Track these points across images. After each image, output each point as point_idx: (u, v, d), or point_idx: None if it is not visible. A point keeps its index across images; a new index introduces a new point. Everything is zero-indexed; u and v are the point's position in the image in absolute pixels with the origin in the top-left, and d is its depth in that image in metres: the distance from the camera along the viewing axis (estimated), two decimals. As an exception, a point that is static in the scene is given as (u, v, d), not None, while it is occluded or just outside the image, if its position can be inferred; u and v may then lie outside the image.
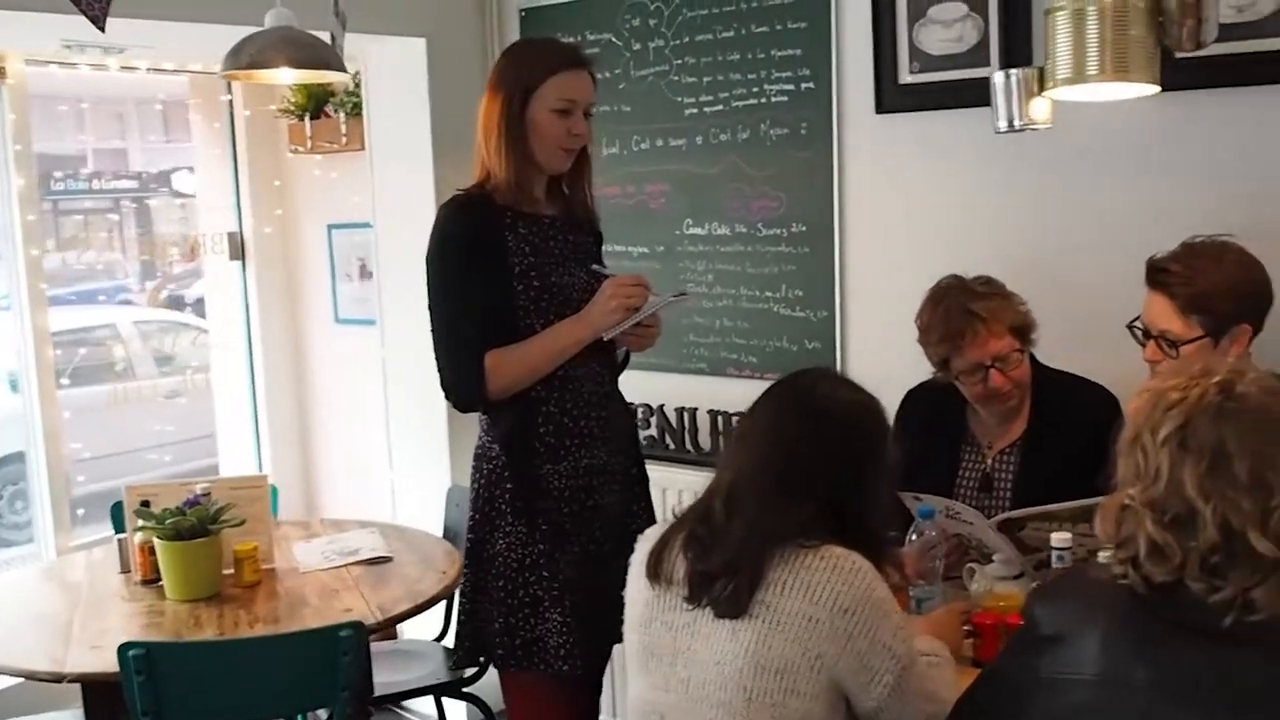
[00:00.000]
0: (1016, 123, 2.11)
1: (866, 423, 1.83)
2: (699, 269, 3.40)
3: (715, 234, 3.36)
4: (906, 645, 1.71)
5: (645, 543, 1.86)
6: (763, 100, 3.22)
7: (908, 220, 3.02)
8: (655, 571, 1.80)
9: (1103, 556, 1.56)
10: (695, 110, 3.35)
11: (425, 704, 3.61)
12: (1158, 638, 1.41)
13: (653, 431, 3.46)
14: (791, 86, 3.16)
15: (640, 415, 3.44)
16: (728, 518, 1.75)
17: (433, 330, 2.37)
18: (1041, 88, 2.07)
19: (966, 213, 2.91)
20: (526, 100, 2.32)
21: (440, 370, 2.36)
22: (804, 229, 3.18)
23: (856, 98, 3.05)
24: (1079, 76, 1.93)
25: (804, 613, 1.66)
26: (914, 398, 2.66)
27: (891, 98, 2.99)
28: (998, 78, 2.13)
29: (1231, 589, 1.38)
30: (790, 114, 3.17)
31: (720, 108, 3.31)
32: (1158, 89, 2.00)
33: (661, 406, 3.46)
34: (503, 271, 2.32)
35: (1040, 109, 2.10)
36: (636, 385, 3.30)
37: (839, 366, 3.12)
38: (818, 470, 1.75)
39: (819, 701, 1.67)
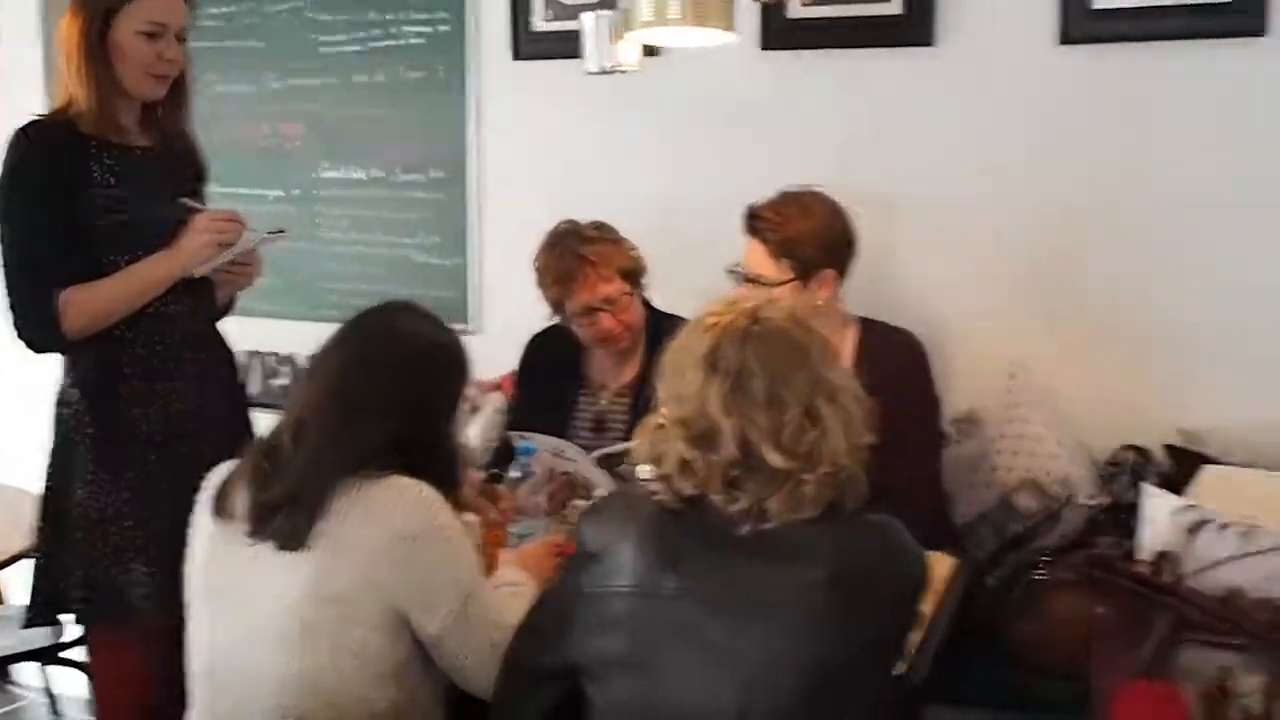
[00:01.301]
0: (606, 65, 2.15)
1: (438, 357, 1.82)
2: (335, 214, 3.31)
3: (352, 178, 3.27)
4: (471, 573, 1.71)
5: (213, 478, 1.79)
6: (400, 42, 3.16)
7: (541, 167, 3.04)
8: (220, 507, 1.74)
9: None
10: (332, 50, 3.26)
11: (35, 675, 3.39)
12: (684, 548, 1.48)
13: (285, 380, 3.35)
14: (429, 29, 3.12)
15: (272, 364, 3.33)
16: (294, 449, 1.71)
17: (3, 266, 2.20)
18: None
19: (594, 160, 2.96)
20: (109, 21, 2.17)
21: (11, 308, 2.19)
22: (441, 175, 3.15)
23: (493, 43, 3.05)
24: (659, 20, 1.97)
25: (365, 541, 1.64)
26: (535, 343, 2.70)
27: (527, 45, 3.01)
28: (587, 20, 2.15)
29: (747, 500, 1.46)
30: (427, 57, 3.13)
31: (358, 48, 3.22)
32: (734, 37, 2.06)
33: (292, 355, 3.35)
34: (82, 203, 2.16)
35: (627, 52, 2.14)
36: (268, 332, 3.20)
37: (473, 312, 3.12)
38: (384, 401, 1.72)
39: (379, 630, 1.65)
